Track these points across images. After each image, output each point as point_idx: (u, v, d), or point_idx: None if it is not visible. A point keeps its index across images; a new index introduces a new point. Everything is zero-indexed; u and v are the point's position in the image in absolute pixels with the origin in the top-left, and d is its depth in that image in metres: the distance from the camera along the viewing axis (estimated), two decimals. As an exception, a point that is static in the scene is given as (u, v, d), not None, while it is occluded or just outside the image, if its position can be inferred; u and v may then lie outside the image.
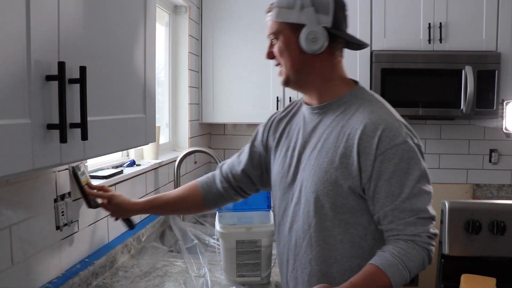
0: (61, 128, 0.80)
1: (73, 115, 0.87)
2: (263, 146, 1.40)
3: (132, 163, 2.14)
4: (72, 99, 0.86)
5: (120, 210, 1.48)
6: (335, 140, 1.16)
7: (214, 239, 2.07)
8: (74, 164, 1.47)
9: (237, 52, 3.00)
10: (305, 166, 1.21)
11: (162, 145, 2.63)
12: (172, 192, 1.54)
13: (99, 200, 1.51)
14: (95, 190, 1.49)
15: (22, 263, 1.28)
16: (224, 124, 3.37)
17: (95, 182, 1.68)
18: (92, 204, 1.50)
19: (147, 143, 1.29)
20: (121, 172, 1.92)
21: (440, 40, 2.82)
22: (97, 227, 1.71)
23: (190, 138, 2.92)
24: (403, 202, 1.09)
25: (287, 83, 1.24)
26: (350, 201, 1.14)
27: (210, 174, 1.52)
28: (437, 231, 1.13)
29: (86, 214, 1.63)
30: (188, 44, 2.81)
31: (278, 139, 1.35)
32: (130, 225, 1.57)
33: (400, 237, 1.10)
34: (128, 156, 2.28)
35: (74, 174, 1.47)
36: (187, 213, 1.90)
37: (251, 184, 1.45)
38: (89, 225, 1.65)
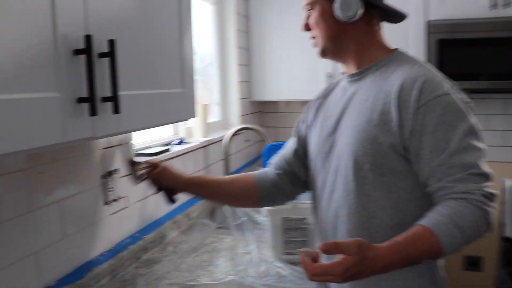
0: (91, 101, 0.81)
1: (105, 89, 0.87)
2: (305, 126, 1.36)
3: (181, 141, 2.17)
4: (103, 73, 0.87)
5: (164, 175, 1.36)
6: (373, 101, 1.11)
7: (263, 216, 2.07)
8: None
9: (286, 27, 2.93)
10: (343, 131, 1.17)
11: (212, 124, 2.65)
12: (223, 176, 1.48)
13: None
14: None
15: (72, 236, 1.33)
16: (276, 101, 3.33)
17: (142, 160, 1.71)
18: (136, 178, 1.41)
19: (187, 119, 1.29)
20: (168, 150, 1.95)
21: (506, 5, 2.61)
22: (146, 203, 1.75)
23: (241, 116, 2.91)
24: (451, 156, 1.00)
25: (324, 53, 1.22)
26: (391, 161, 1.07)
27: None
28: (496, 192, 1.01)
29: (135, 190, 1.67)
30: (235, 22, 2.78)
31: (315, 113, 1.31)
32: (171, 198, 1.40)
33: (450, 195, 1.00)
34: (177, 134, 2.31)
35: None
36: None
37: (305, 168, 1.34)
38: (138, 201, 1.69)
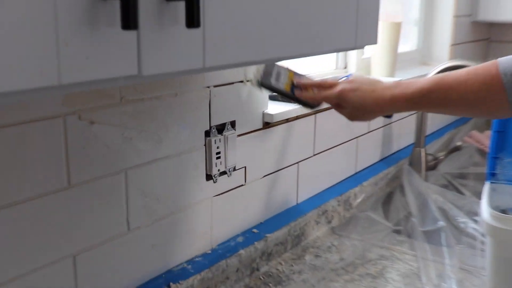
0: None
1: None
2: None
3: (349, 80, 1.86)
4: None
5: (359, 115, 1.21)
6: None
7: (476, 221, 1.65)
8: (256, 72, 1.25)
9: None
10: None
11: (403, 55, 2.36)
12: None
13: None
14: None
15: (144, 229, 1.11)
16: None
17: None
18: (311, 105, 1.32)
19: (357, 47, 0.98)
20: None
21: None
22: (279, 178, 1.49)
23: (453, 45, 2.55)
24: None
25: None
26: None
27: None
28: None
29: (260, 157, 1.41)
30: None
31: None
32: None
33: None
34: (345, 68, 2.01)
35: (263, 86, 1.27)
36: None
37: None
38: (265, 176, 1.43)
